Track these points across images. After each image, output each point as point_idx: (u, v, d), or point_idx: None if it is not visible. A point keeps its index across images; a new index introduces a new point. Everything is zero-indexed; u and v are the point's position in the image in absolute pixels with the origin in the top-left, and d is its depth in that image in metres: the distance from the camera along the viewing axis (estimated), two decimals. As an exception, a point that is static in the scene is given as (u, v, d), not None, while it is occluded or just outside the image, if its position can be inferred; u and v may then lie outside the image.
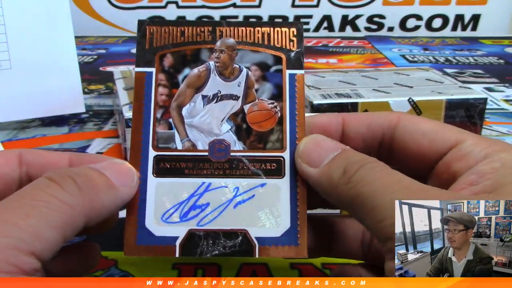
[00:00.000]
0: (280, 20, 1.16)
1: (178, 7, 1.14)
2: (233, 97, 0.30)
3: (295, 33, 0.31)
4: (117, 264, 0.36)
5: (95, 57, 0.94)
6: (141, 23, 0.30)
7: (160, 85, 0.30)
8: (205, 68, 0.30)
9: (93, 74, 0.83)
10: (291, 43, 0.30)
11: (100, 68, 0.87)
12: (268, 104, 0.29)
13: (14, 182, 0.28)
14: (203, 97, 0.30)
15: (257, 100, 0.30)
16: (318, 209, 0.32)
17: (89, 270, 0.31)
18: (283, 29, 0.31)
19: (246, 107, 0.30)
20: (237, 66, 0.30)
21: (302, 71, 0.30)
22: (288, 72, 0.30)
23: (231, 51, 0.30)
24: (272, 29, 0.31)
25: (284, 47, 0.30)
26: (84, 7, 1.12)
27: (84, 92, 0.68)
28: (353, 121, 0.30)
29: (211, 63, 0.30)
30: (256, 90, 0.30)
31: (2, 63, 0.57)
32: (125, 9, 1.14)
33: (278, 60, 0.30)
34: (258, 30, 0.31)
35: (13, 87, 0.58)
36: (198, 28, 0.30)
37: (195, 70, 0.30)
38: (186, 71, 0.30)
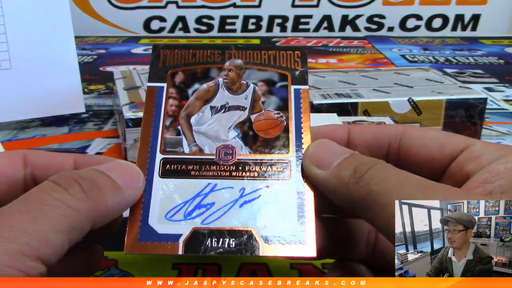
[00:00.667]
0: (280, 20, 1.17)
1: (178, 7, 1.14)
2: (240, 108, 0.31)
3: (299, 56, 0.33)
4: (117, 264, 0.36)
5: (95, 57, 0.94)
6: (155, 46, 0.33)
7: (171, 97, 0.31)
8: (214, 84, 0.32)
9: (93, 74, 0.83)
10: (296, 63, 0.32)
11: (100, 68, 0.87)
12: (274, 114, 0.30)
13: (19, 182, 0.28)
14: (211, 107, 0.31)
15: (263, 111, 0.31)
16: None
17: (92, 272, 0.31)
18: (288, 52, 0.33)
19: (253, 117, 0.31)
20: (245, 82, 0.32)
21: (306, 87, 0.31)
22: (293, 87, 0.31)
23: (239, 70, 0.32)
24: (278, 52, 0.33)
25: (289, 67, 0.32)
26: (84, 7, 1.12)
27: (84, 92, 0.68)
28: (358, 130, 0.31)
29: (220, 79, 0.32)
30: (263, 103, 0.31)
31: (2, 63, 0.57)
32: (125, 9, 1.14)
33: (283, 77, 0.32)
34: (264, 53, 0.33)
35: (13, 87, 0.58)
36: (208, 51, 0.33)
37: (204, 85, 0.32)
38: (196, 86, 0.32)
